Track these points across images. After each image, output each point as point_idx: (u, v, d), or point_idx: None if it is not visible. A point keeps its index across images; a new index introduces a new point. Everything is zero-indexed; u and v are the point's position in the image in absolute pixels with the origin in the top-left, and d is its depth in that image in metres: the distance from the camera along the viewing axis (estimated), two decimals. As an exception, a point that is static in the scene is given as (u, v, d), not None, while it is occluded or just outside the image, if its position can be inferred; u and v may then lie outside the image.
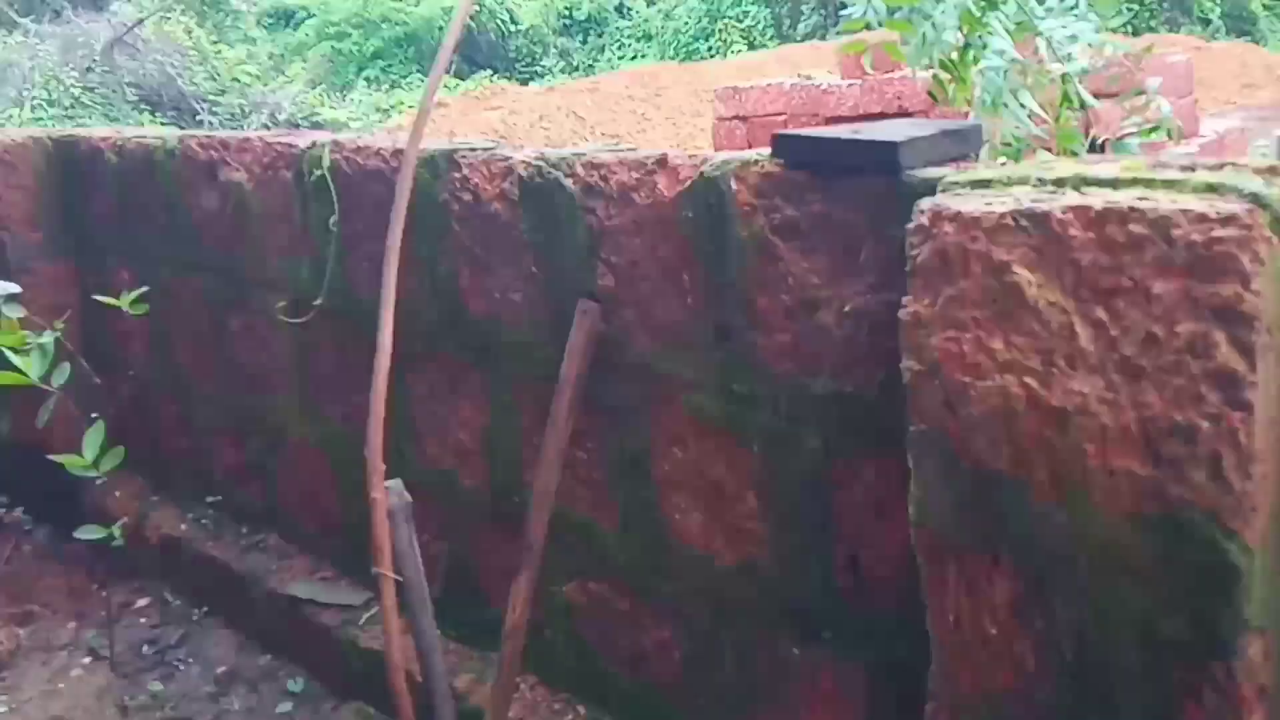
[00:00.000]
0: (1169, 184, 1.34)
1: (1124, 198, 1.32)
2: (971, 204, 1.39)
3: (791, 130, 1.80)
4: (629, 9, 25.48)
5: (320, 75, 21.89)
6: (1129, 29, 18.08)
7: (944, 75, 2.71)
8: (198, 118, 17.00)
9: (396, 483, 2.32)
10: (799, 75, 8.27)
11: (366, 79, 22.02)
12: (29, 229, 3.73)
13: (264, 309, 3.12)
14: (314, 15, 25.64)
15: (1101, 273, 1.31)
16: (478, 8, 22.28)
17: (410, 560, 2.32)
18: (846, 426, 1.86)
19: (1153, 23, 18.76)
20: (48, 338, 2.79)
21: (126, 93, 16.36)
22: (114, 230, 3.71)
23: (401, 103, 18.26)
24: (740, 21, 23.29)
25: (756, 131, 7.90)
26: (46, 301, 3.66)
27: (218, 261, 3.28)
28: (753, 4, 23.38)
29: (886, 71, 6.79)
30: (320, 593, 3.14)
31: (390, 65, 22.65)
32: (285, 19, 26.77)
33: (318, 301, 2.80)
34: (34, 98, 15.52)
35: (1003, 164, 1.65)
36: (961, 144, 1.73)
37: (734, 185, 1.88)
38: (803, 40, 20.96)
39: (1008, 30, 2.53)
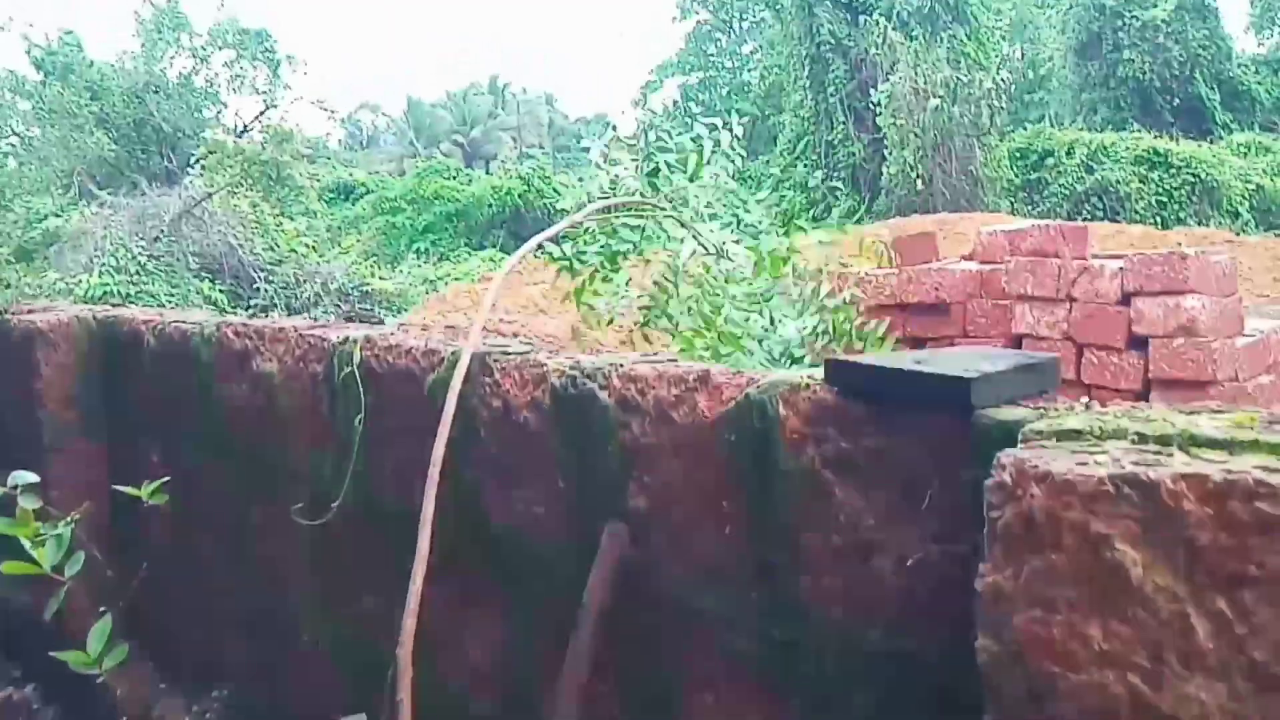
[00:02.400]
0: (1298, 453, 1.12)
1: (1246, 468, 1.10)
2: (1063, 463, 1.18)
3: (846, 356, 1.60)
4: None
5: (374, 247, 22.51)
6: (1157, 221, 18.15)
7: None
8: (255, 285, 17.36)
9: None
10: (838, 263, 8.21)
11: (417, 251, 22.58)
12: (65, 407, 3.63)
13: (286, 503, 2.92)
14: (371, 191, 26.61)
15: (1223, 556, 1.08)
16: (526, 186, 22.98)
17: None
18: (903, 688, 1.59)
19: (1182, 214, 18.85)
20: (63, 528, 2.63)
21: (190, 261, 16.78)
22: (148, 412, 3.58)
23: (449, 275, 18.62)
24: (777, 204, 23.74)
25: (795, 315, 7.79)
26: (77, 479, 3.52)
27: (245, 451, 3.11)
28: (789, 188, 23.87)
29: (924, 261, 6.70)
30: (321, 806, 2.84)
31: (440, 239, 23.25)
32: (345, 193, 27.86)
33: (335, 504, 2.61)
34: (103, 264, 15.98)
35: (1087, 406, 1.44)
36: (1039, 379, 1.53)
37: (782, 410, 1.69)
38: (836, 223, 21.25)
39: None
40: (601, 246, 3.05)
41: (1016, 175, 19.83)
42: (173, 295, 17.12)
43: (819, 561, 1.67)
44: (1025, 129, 22.15)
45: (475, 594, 2.39)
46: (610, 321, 3.34)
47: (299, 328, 2.96)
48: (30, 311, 3.77)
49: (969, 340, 6.44)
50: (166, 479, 3.01)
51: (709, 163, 3.10)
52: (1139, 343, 5.54)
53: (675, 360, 1.98)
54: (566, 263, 2.97)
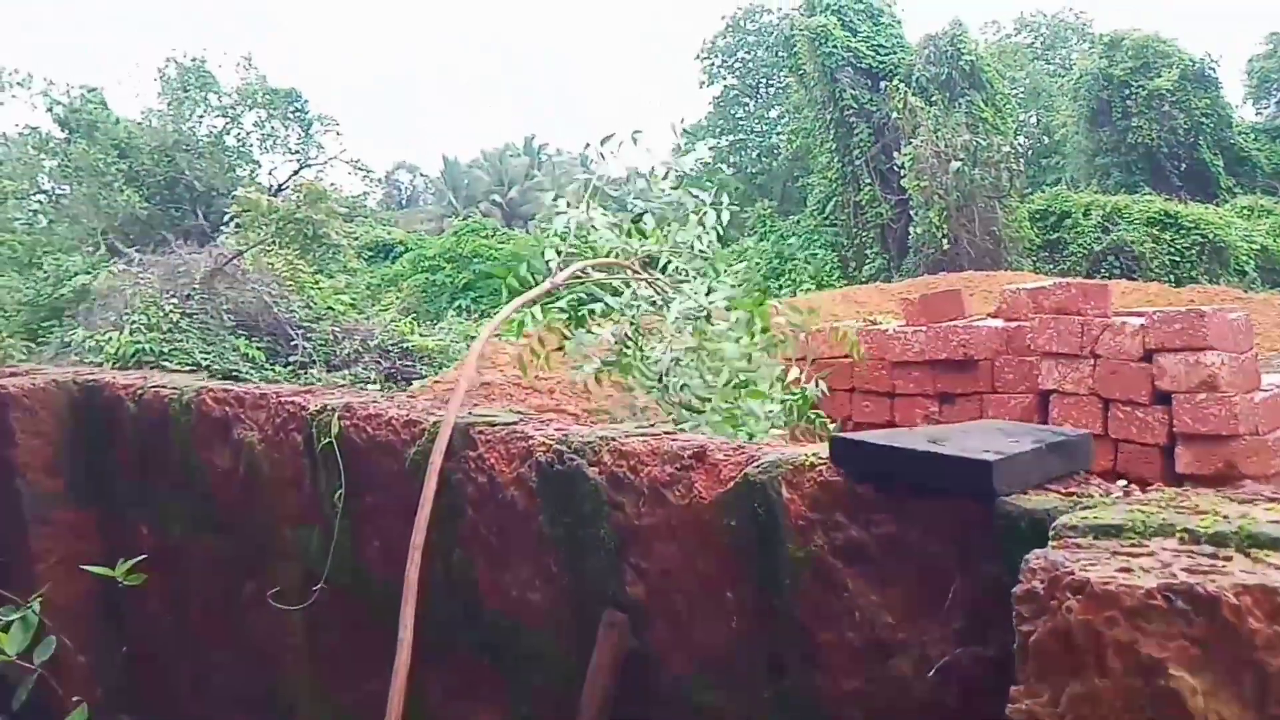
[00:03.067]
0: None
1: (1324, 576, 0.90)
2: (1103, 569, 0.98)
3: (853, 434, 1.40)
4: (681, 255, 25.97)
5: (413, 304, 22.46)
6: (1171, 279, 17.90)
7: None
8: (293, 342, 17.27)
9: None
10: (865, 319, 8.03)
11: (458, 308, 22.51)
12: (48, 476, 3.39)
13: (274, 578, 2.75)
14: (410, 249, 26.63)
15: (1301, 684, 0.88)
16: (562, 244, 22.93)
17: None
18: (928, 805, 1.38)
19: (1193, 273, 18.62)
20: (27, 612, 2.42)
21: (225, 319, 16.63)
22: (134, 481, 3.39)
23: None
24: (808, 263, 23.59)
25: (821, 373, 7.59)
26: (65, 552, 3.31)
27: (231, 523, 2.94)
28: (820, 247, 23.72)
29: (951, 318, 6.49)
30: None
31: (480, 296, 23.19)
32: (384, 253, 27.87)
33: (317, 586, 2.43)
34: (133, 322, 15.79)
35: (1126, 493, 1.24)
36: (1067, 460, 1.34)
37: (785, 493, 1.50)
38: (867, 281, 21.06)
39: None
40: (570, 304, 2.89)
41: (1037, 235, 19.66)
42: (208, 353, 17.02)
43: (835, 660, 1.47)
44: (1043, 191, 22.04)
45: (473, 682, 2.19)
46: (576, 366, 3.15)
47: (281, 394, 2.80)
48: (13, 374, 3.60)
49: (997, 395, 6.21)
50: (144, 556, 2.81)
51: (699, 224, 2.96)
52: (1163, 398, 5.35)
53: (670, 434, 1.79)
54: (519, 324, 2.81)
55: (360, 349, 18.88)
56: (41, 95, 29.93)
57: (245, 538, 2.92)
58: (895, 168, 20.67)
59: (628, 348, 2.85)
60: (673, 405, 2.62)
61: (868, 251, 22.52)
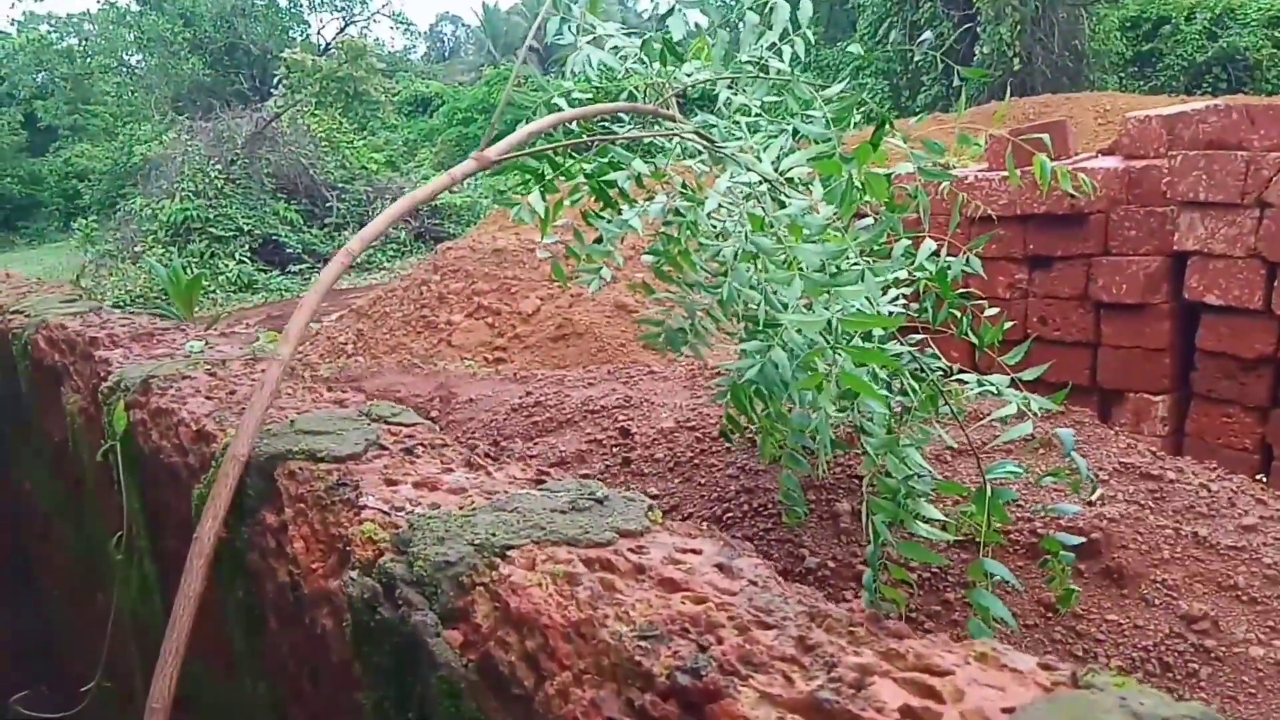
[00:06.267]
0: None
1: None
2: None
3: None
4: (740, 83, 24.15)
5: (447, 159, 21.48)
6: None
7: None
8: (327, 204, 16.67)
9: None
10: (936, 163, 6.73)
11: (489, 162, 21.49)
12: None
13: (108, 609, 1.83)
14: (447, 103, 25.61)
15: None
16: (594, 89, 21.40)
17: None
18: None
19: None
20: None
21: (265, 182, 16.23)
22: (12, 433, 2.52)
23: (518, 185, 17.60)
24: (860, 102, 21.54)
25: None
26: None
27: (81, 517, 2.01)
28: (870, 75, 21.66)
29: (1055, 158, 5.24)
30: None
31: (511, 148, 22.17)
32: (423, 106, 26.88)
33: (88, 687, 1.48)
34: (182, 189, 15.51)
35: None
36: None
37: None
38: (920, 112, 19.18)
39: None
40: (589, 173, 1.81)
41: (1126, 47, 17.51)
42: (250, 217, 16.50)
43: None
44: (1135, -5, 19.58)
45: None
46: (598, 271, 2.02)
47: (116, 338, 1.81)
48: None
49: (1111, 259, 4.98)
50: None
51: (765, 26, 1.80)
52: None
53: (643, 539, 0.74)
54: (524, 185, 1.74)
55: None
56: (118, -32, 30.56)
57: (91, 544, 2.00)
58: (963, -24, 18.50)
59: (680, 228, 1.78)
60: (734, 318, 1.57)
61: (924, 78, 20.45)
